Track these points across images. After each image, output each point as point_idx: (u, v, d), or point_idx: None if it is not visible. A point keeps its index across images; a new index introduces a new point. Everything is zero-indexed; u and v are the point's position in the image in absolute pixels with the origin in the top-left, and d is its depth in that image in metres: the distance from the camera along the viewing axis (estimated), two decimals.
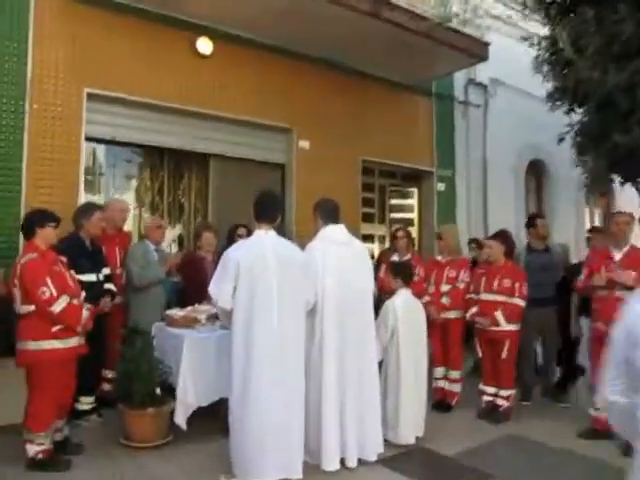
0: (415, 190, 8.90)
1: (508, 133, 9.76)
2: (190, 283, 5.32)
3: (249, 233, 5.83)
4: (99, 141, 6.03)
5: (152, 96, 6.01)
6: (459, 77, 9.13)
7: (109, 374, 4.94)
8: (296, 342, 3.66)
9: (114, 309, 4.85)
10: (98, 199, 6.17)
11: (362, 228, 7.76)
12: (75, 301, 3.80)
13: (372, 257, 6.98)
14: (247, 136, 6.83)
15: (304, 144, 7.09)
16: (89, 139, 5.77)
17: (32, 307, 3.66)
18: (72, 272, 4.14)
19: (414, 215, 8.89)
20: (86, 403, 4.65)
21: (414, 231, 8.82)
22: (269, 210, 3.76)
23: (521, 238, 9.61)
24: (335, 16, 6.15)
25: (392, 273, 4.75)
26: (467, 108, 9.30)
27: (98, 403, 4.77)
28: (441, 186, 8.78)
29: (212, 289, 3.61)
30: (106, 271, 4.71)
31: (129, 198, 6.45)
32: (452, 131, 9.02)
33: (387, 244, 8.39)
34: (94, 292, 4.39)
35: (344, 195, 7.34)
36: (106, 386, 4.95)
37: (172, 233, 6.62)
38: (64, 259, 4.20)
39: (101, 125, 5.83)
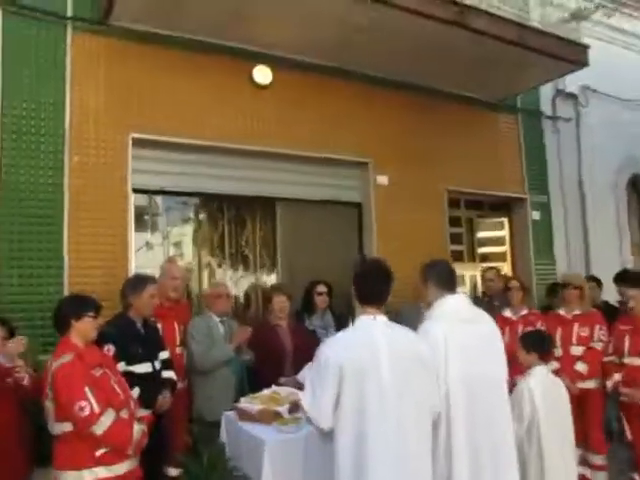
0: (505, 220, 7.77)
1: (604, 147, 8.52)
2: (264, 359, 4.41)
3: (330, 291, 4.97)
4: (148, 192, 5.23)
5: (205, 137, 5.20)
6: (545, 89, 8.01)
7: (173, 472, 4.05)
8: (421, 461, 2.65)
9: (176, 395, 3.97)
10: (153, 239, 5.39)
11: None
12: (124, 413, 2.92)
13: None
14: (317, 175, 5.93)
15: (382, 179, 6.13)
16: (137, 190, 4.99)
17: (69, 426, 2.80)
18: (120, 367, 3.31)
19: (505, 249, 7.74)
20: None
21: (506, 267, 7.69)
22: (377, 287, 2.74)
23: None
24: (412, 29, 5.23)
25: (523, 346, 3.67)
26: (556, 123, 8.13)
27: None
28: (536, 214, 7.61)
29: (308, 407, 2.63)
30: (164, 355, 3.83)
31: (186, 241, 5.64)
32: (542, 150, 7.86)
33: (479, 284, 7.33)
34: (150, 387, 3.53)
35: (430, 233, 6.41)
36: None
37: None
38: (111, 349, 3.38)
39: (150, 174, 5.05)
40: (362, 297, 2.71)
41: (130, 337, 3.57)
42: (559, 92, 8.18)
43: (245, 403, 3.79)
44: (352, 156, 6.02)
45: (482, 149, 7.15)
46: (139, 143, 4.89)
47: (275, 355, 4.44)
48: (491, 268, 5.91)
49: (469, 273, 7.30)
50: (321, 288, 4.98)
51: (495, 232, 7.74)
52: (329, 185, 6.01)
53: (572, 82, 8.15)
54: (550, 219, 7.80)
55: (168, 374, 3.80)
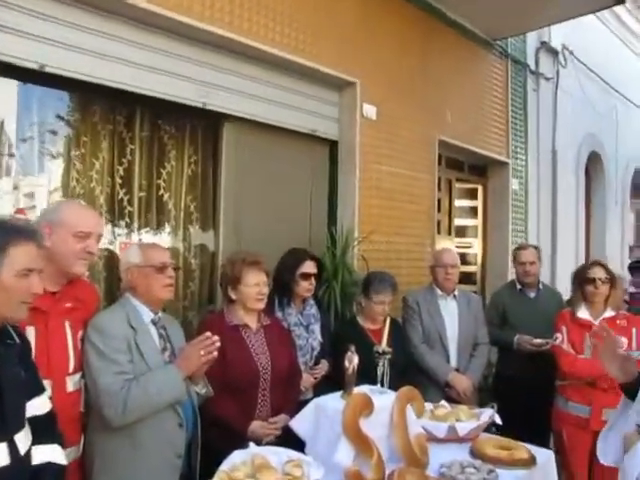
0: (479, 187, 6.31)
1: (573, 117, 7.44)
2: (224, 386, 2.43)
3: (320, 271, 3.11)
4: (17, 72, 2.81)
5: None
6: (530, 39, 6.62)
7: None
8: None
9: None
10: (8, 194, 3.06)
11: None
12: None
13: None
14: (281, 89, 3.87)
15: (370, 110, 4.25)
16: None
17: None
18: None
19: (477, 222, 6.29)
20: None
21: (477, 245, 6.25)
22: None
23: (580, 258, 7.40)
24: None
25: None
26: (538, 79, 6.80)
27: None
28: (515, 183, 6.25)
29: None
30: (39, 409, 1.63)
31: (63, 172, 3.16)
32: (525, 109, 6.49)
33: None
34: None
35: (419, 194, 4.78)
36: None
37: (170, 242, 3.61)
38: None
39: (19, 37, 2.75)
40: None
41: None
42: (543, 44, 6.83)
43: None
44: (335, 70, 4.06)
45: (473, 94, 5.59)
46: None
47: (243, 379, 2.50)
48: (528, 246, 4.26)
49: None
50: (308, 267, 3.06)
51: (470, 201, 6.25)
52: (301, 110, 3.98)
53: (556, 35, 6.90)
54: (527, 191, 6.49)
55: (46, 454, 1.63)
